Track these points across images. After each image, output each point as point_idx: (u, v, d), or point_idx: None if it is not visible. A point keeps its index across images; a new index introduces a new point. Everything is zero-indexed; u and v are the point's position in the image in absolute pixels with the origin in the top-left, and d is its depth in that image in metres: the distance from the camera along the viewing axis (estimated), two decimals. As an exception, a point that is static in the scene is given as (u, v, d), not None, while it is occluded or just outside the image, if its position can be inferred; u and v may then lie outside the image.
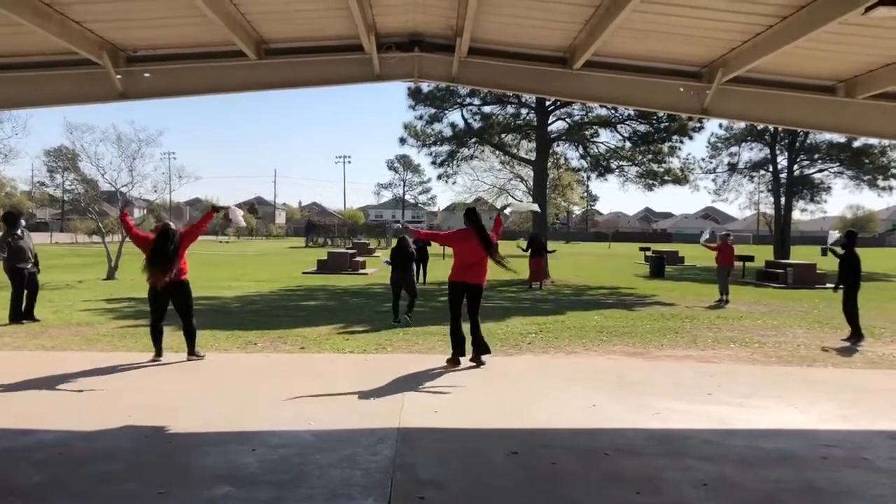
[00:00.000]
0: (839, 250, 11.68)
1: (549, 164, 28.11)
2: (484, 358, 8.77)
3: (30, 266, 12.35)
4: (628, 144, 27.26)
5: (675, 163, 27.63)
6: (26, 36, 7.27)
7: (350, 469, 4.97)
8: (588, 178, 40.11)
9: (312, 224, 71.88)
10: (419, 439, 5.71)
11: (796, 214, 43.04)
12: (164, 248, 8.62)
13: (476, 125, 26.93)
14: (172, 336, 9.43)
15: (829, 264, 17.92)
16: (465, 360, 8.74)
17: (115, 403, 6.63)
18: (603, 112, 26.00)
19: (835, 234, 12.67)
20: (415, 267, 13.34)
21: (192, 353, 8.88)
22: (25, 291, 12.21)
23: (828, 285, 21.59)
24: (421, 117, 26.98)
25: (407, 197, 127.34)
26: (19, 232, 12.36)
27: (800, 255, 37.02)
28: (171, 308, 8.91)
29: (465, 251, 8.85)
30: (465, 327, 8.81)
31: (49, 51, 7.95)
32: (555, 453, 5.42)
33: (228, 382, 7.72)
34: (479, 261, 8.75)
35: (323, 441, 5.60)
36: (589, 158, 28.62)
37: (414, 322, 12.56)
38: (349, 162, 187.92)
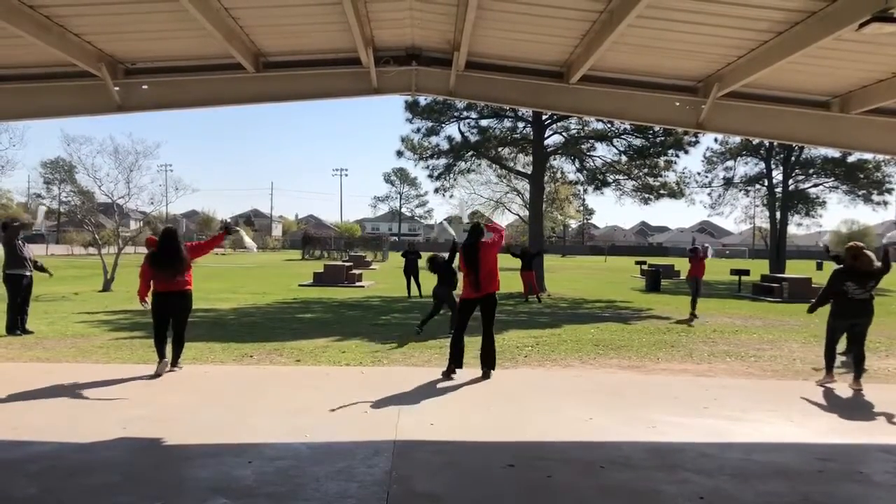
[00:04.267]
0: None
1: (546, 177, 28.21)
2: (490, 372, 8.85)
3: (28, 273, 12.33)
4: (624, 158, 27.37)
5: (670, 177, 27.76)
6: (25, 48, 7.31)
7: (346, 482, 4.96)
8: (584, 191, 40.25)
9: (309, 237, 71.83)
10: (415, 452, 5.70)
11: (792, 229, 43.16)
12: (169, 247, 8.70)
13: (473, 138, 27.01)
14: (169, 347, 9.42)
15: (825, 278, 17.92)
16: (460, 373, 8.76)
17: (109, 415, 6.61)
18: (599, 126, 26.12)
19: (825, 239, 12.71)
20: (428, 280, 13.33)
21: (175, 363, 8.86)
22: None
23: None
24: (418, 130, 27.10)
25: (403, 210, 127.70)
26: (19, 241, 12.37)
27: (795, 269, 37.13)
28: None
29: (462, 265, 8.98)
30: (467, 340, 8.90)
31: (48, 63, 8.00)
32: (551, 466, 5.41)
33: (224, 394, 7.69)
34: (472, 272, 8.77)
35: (319, 453, 5.58)
36: (585, 172, 28.74)
37: (409, 334, 12.55)
38: (346, 175, 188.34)
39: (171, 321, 8.87)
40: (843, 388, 8.65)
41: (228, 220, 9.41)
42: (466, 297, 8.89)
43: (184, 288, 8.82)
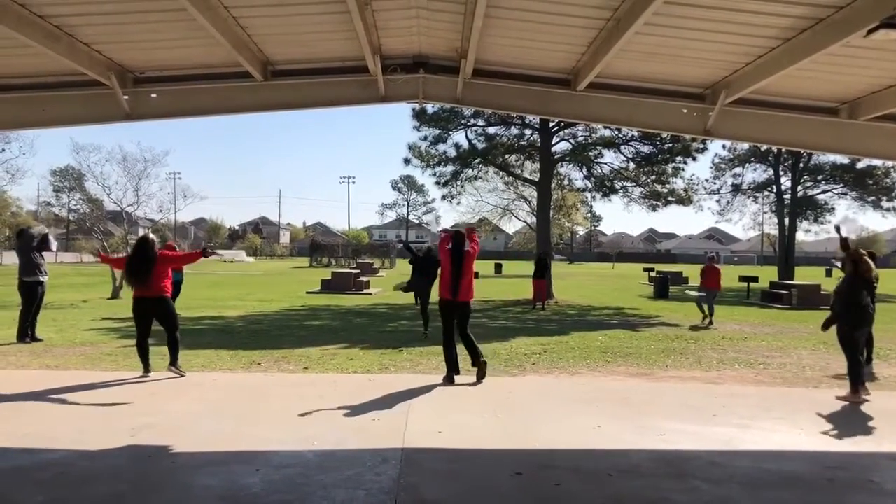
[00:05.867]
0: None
1: (553, 184, 28.16)
2: (485, 371, 8.97)
3: (43, 280, 12.41)
4: (632, 165, 27.30)
5: (678, 183, 27.65)
6: (36, 57, 7.37)
7: (354, 489, 4.95)
8: (592, 198, 40.26)
9: (317, 244, 71.98)
10: (423, 460, 5.69)
11: (800, 235, 42.97)
12: (141, 257, 8.89)
13: (480, 146, 27.01)
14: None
15: (834, 285, 17.83)
16: (468, 380, 8.76)
17: (118, 423, 6.62)
18: (607, 133, 26.09)
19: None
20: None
21: (173, 363, 8.89)
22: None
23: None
24: (425, 138, 27.08)
25: (411, 217, 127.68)
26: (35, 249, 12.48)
27: (804, 275, 36.95)
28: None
29: (444, 267, 9.14)
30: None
31: (57, 72, 8.05)
32: (559, 474, 5.39)
33: (232, 402, 7.70)
34: (452, 277, 8.92)
35: (326, 461, 5.58)
36: (593, 179, 28.68)
37: (417, 342, 12.57)
38: (353, 182, 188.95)
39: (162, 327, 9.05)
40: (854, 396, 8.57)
41: (208, 245, 9.67)
42: (446, 298, 9.00)
43: (159, 294, 8.92)
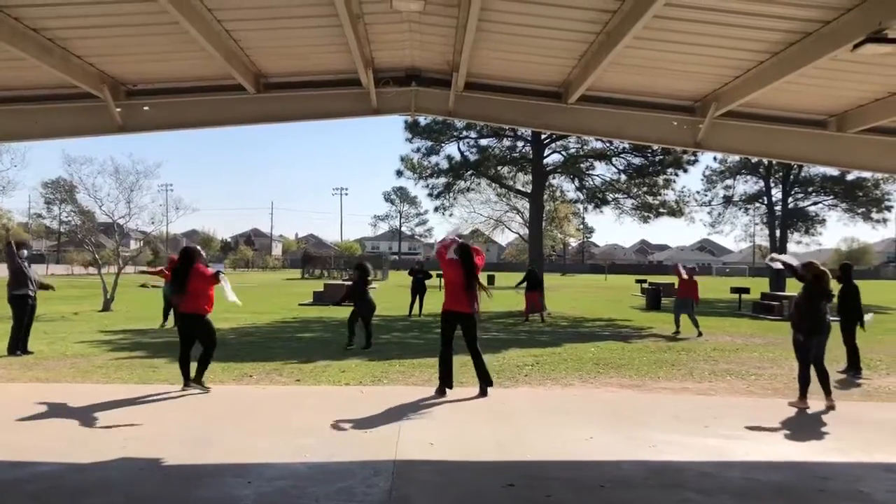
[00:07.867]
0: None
1: (545, 196, 28.25)
2: (487, 389, 8.85)
3: (32, 293, 12.36)
4: (623, 177, 27.43)
5: (670, 195, 27.78)
6: (29, 70, 7.39)
7: (346, 502, 4.95)
8: (584, 210, 40.32)
9: (309, 256, 71.95)
10: (415, 472, 5.69)
11: (791, 247, 43.12)
12: (180, 269, 8.83)
13: (472, 158, 27.10)
14: (169, 367, 9.42)
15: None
16: (460, 391, 8.76)
17: (109, 435, 6.60)
18: (598, 145, 26.20)
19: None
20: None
21: (197, 380, 8.80)
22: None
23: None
24: (418, 150, 27.17)
25: (403, 229, 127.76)
26: (24, 262, 12.40)
27: (795, 287, 37.01)
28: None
29: (449, 276, 8.93)
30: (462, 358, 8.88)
31: (50, 84, 8.07)
32: (551, 486, 5.40)
33: (224, 415, 7.68)
34: (460, 288, 8.77)
35: (318, 473, 5.57)
36: (585, 191, 28.79)
37: (409, 354, 12.55)
38: (346, 194, 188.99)
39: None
40: (844, 406, 8.62)
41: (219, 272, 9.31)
42: (454, 310, 8.83)
43: (193, 311, 8.78)
